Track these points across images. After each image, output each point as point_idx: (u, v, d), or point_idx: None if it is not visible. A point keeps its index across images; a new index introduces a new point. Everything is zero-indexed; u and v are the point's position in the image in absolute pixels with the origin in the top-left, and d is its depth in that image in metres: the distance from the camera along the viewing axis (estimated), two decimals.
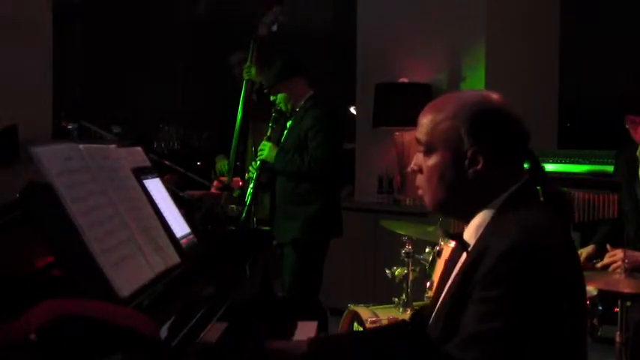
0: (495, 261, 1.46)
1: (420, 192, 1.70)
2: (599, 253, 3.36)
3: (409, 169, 1.72)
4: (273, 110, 4.22)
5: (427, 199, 1.68)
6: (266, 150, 4.14)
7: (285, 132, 4.20)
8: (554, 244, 1.52)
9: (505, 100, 1.65)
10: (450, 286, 1.64)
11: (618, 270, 2.99)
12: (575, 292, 1.54)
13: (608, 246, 3.17)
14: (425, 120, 1.65)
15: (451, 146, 1.60)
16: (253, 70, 4.71)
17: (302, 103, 4.12)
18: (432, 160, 1.63)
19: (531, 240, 1.48)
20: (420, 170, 1.67)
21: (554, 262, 1.48)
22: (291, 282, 4.02)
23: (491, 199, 1.60)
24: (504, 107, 1.62)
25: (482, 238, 1.57)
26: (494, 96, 1.65)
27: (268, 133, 4.21)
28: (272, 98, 4.21)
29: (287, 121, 4.22)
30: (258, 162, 4.23)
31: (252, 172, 4.27)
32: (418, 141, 1.67)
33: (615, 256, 3.08)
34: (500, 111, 1.61)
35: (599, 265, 3.14)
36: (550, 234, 1.53)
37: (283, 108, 4.18)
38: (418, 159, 1.68)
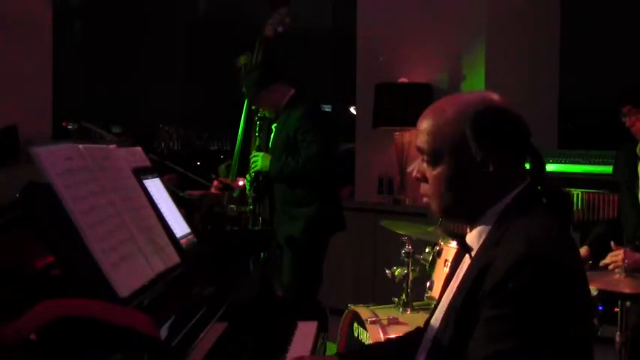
0: (503, 276, 1.42)
1: (425, 200, 1.65)
2: (593, 255, 3.35)
3: (409, 172, 1.69)
4: (256, 118, 4.22)
5: (434, 206, 1.63)
6: (259, 160, 4.11)
7: (272, 135, 4.17)
8: (560, 254, 1.48)
9: (504, 98, 1.62)
10: (456, 293, 1.59)
11: (618, 270, 2.99)
12: (583, 300, 1.51)
13: (612, 244, 3.15)
14: (425, 127, 1.59)
15: (458, 153, 1.55)
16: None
17: (284, 104, 4.12)
18: (439, 170, 1.57)
19: (538, 254, 1.43)
20: (424, 179, 1.62)
21: (561, 274, 1.45)
22: (290, 282, 4.01)
23: (497, 200, 1.57)
24: (506, 106, 1.59)
25: (486, 247, 1.55)
26: (495, 96, 1.61)
27: (257, 143, 4.20)
28: (253, 107, 4.24)
29: (272, 124, 4.20)
30: (252, 174, 4.20)
31: (248, 185, 4.25)
32: (420, 150, 1.61)
33: (617, 256, 3.07)
34: (502, 111, 1.58)
35: (601, 263, 3.13)
36: (555, 244, 1.49)
37: (267, 114, 4.19)
38: (421, 167, 1.62)
